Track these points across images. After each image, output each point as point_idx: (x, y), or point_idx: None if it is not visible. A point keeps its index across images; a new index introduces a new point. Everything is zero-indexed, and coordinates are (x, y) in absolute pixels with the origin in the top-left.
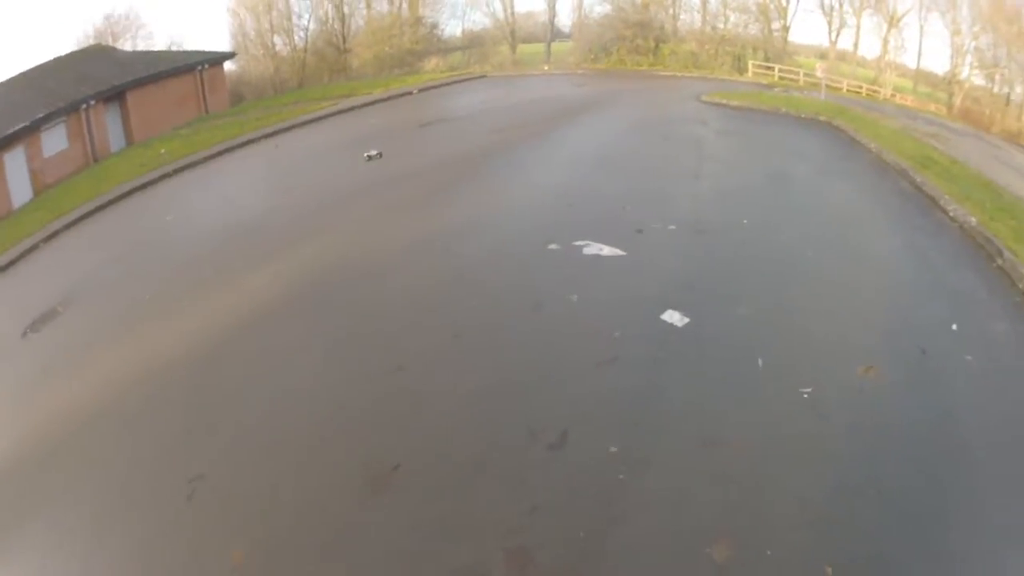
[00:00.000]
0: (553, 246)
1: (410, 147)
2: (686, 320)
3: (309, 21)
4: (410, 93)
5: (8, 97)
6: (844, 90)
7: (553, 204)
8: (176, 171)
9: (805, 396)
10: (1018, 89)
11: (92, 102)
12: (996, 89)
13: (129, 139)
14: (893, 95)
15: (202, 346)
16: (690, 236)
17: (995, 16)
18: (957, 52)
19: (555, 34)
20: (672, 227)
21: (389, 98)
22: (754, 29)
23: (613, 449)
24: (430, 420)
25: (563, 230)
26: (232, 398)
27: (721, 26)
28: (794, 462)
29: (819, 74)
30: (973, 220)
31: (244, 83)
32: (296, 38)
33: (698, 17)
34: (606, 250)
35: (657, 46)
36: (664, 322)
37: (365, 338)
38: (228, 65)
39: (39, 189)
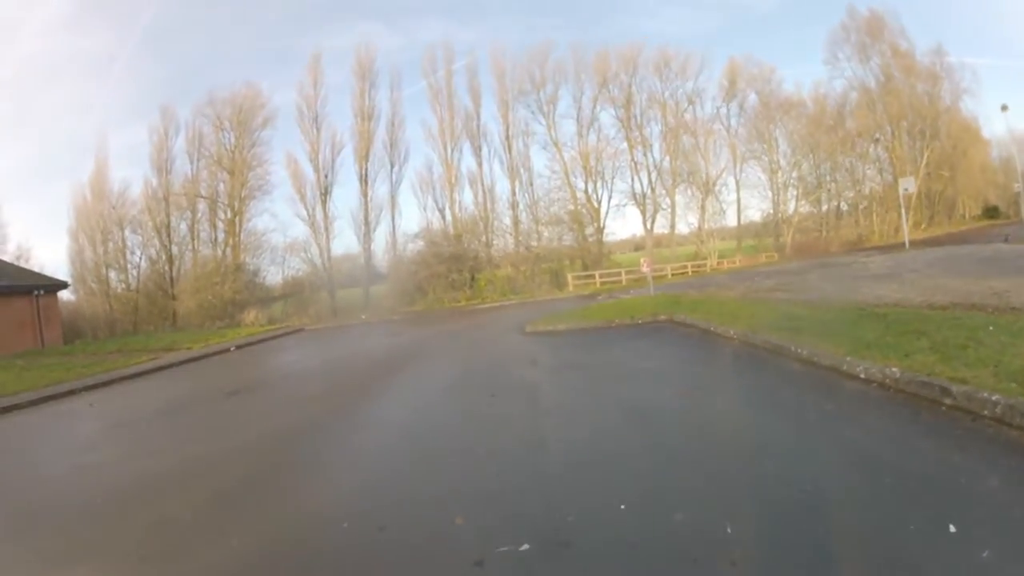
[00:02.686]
0: None
1: (199, 431)
2: None
3: (141, 259)
4: (227, 350)
5: None
6: (669, 276)
7: (359, 529)
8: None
9: None
10: (849, 194)
11: None
12: (825, 209)
13: None
14: (720, 263)
15: None
16: (554, 559)
17: (815, 132)
18: (780, 190)
19: (372, 276)
20: (525, 547)
21: (206, 355)
22: (568, 239)
23: None
24: None
25: None
26: None
27: (535, 243)
28: None
29: (644, 269)
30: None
31: (80, 317)
32: (129, 276)
33: (511, 239)
34: None
35: (473, 277)
36: None
37: None
38: (67, 294)
39: None
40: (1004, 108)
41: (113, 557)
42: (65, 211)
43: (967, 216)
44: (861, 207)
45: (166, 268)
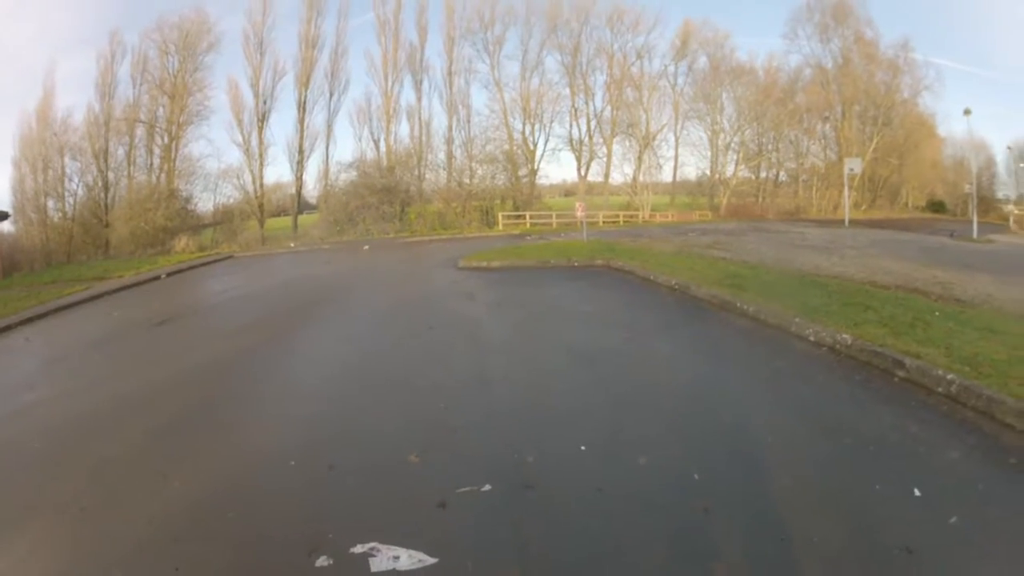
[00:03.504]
0: (322, 561)
1: (131, 364)
2: None
3: (78, 186)
4: (158, 278)
5: None
6: (601, 223)
7: (307, 468)
8: None
9: None
10: (791, 166)
11: None
12: (764, 176)
13: None
14: (652, 215)
15: None
16: (519, 502)
17: (764, 102)
18: (720, 152)
19: (303, 206)
20: (487, 488)
21: (137, 283)
22: (502, 179)
23: None
24: None
25: (330, 521)
26: None
27: (468, 181)
28: None
29: (579, 213)
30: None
31: (19, 250)
32: (66, 204)
33: (444, 175)
34: (404, 558)
35: (403, 210)
36: None
37: None
38: (7, 227)
39: None
40: (967, 112)
41: (53, 512)
42: (10, 141)
43: (910, 205)
44: (802, 179)
45: (102, 195)
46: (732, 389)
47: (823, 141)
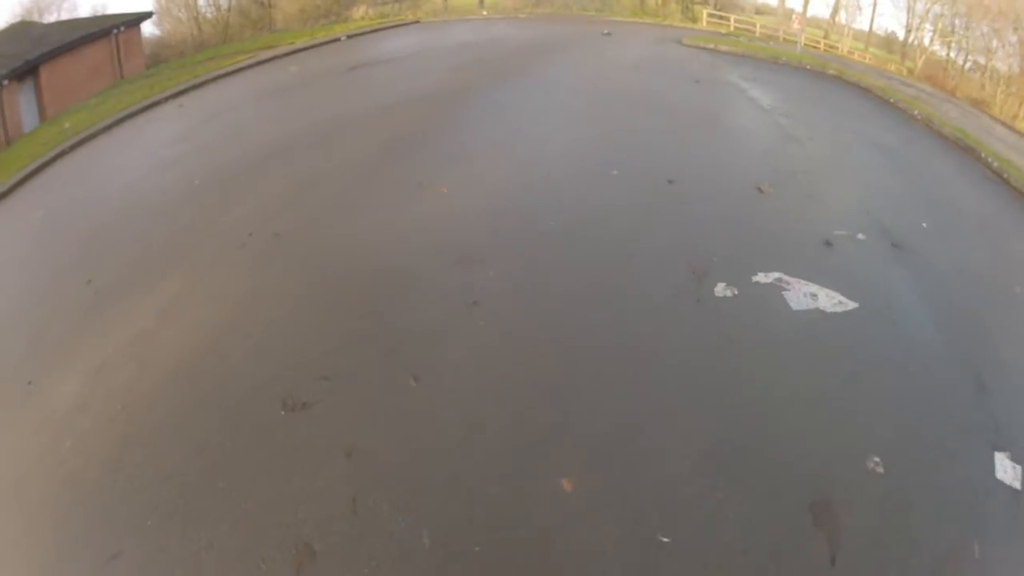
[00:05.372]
0: (721, 289)
1: (337, 92)
2: None
3: None
4: (338, 40)
5: None
6: (802, 43)
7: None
8: (73, 147)
9: None
10: (979, 60)
11: (5, 82)
12: (953, 56)
13: (43, 116)
14: (851, 52)
15: None
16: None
17: None
18: (916, 16)
19: None
20: (860, 236)
21: (313, 46)
22: None
23: None
24: None
25: (703, 243)
26: None
27: None
28: None
29: (796, 26)
30: None
31: (165, 46)
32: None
33: None
34: (822, 296)
35: None
36: None
37: None
38: (150, 28)
39: None
40: None
41: None
42: None
43: None
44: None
45: None
46: None
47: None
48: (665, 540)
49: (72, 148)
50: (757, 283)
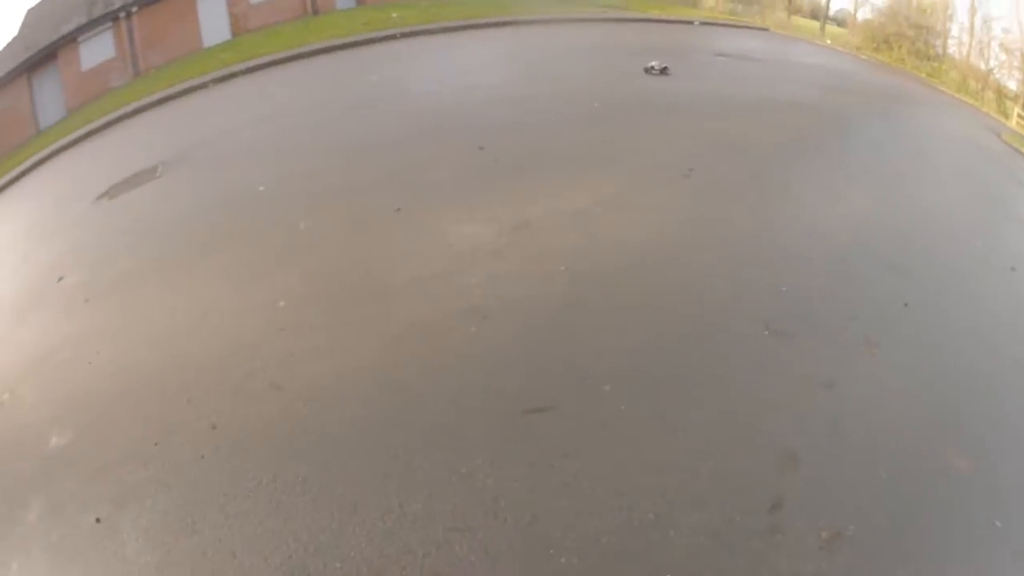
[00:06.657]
0: None
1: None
2: None
3: None
4: (690, 23)
5: None
6: None
7: None
8: (404, 36)
9: None
10: None
11: None
12: None
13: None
14: None
15: None
16: None
17: None
18: None
19: (825, 16)
20: None
21: (665, 20)
22: (1016, 77)
23: None
24: None
25: None
26: None
27: (983, 66)
28: None
29: None
30: None
31: None
32: None
33: (960, 46)
34: None
35: (934, 55)
36: None
37: None
38: None
39: (237, 32)
40: None
41: None
42: None
43: None
44: None
45: None
46: None
47: None
48: None
49: (403, 36)
50: None
